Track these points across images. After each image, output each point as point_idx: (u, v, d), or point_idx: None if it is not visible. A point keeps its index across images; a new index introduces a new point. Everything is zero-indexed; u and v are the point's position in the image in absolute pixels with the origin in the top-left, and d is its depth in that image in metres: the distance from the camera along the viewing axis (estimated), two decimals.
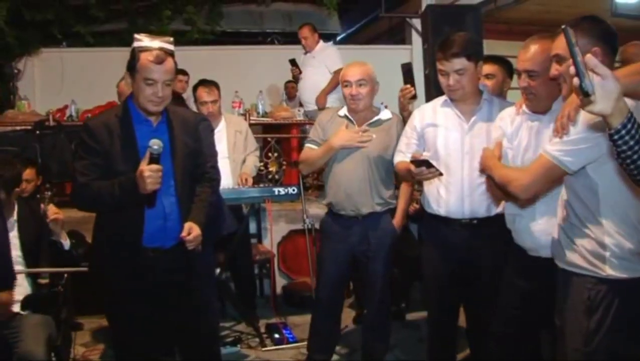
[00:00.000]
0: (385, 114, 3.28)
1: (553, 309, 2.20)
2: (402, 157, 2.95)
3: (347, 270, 3.44)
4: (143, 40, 2.45)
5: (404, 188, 3.38)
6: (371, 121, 3.23)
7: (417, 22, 7.23)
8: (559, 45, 2.00)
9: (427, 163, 2.62)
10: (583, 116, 1.90)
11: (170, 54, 2.46)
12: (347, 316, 4.48)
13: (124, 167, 2.43)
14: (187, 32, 8.89)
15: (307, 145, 3.37)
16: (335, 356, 3.62)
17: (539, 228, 2.37)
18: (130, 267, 2.51)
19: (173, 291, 2.62)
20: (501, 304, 2.59)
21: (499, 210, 2.74)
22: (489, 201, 2.76)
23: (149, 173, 2.30)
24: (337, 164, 3.24)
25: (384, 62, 6.83)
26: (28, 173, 3.55)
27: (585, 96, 1.49)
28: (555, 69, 2.04)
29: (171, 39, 2.53)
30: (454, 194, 2.80)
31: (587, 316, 1.97)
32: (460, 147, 2.79)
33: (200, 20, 8.77)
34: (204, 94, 4.15)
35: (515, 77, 2.56)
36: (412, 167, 2.65)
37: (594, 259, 1.97)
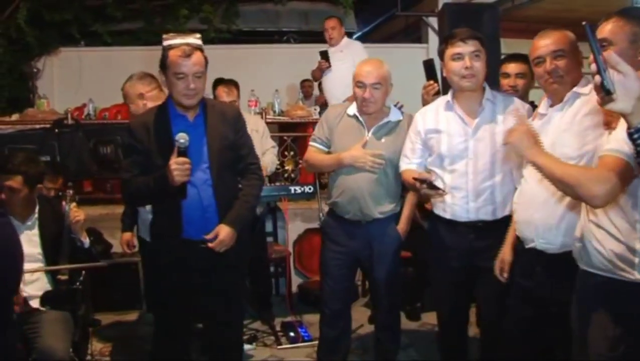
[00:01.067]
0: (395, 115, 3.16)
1: (558, 308, 2.21)
2: (408, 163, 2.93)
3: (352, 273, 3.39)
4: (170, 39, 2.58)
5: (411, 194, 3.26)
6: (381, 123, 3.12)
7: (433, 21, 7.22)
8: (604, 30, 1.96)
9: (430, 185, 2.61)
10: None
11: (198, 48, 2.58)
12: (363, 316, 4.49)
13: (162, 161, 2.55)
14: (204, 31, 8.92)
15: (312, 144, 3.26)
16: (349, 356, 3.61)
17: (538, 217, 2.36)
18: (173, 256, 2.64)
19: (213, 283, 2.72)
20: (509, 304, 2.60)
21: (505, 212, 2.72)
22: (494, 205, 2.74)
23: (175, 166, 2.44)
24: (344, 168, 3.11)
25: (400, 60, 6.84)
26: (58, 181, 3.65)
27: (606, 94, 1.48)
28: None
29: (198, 34, 2.65)
30: (459, 199, 2.77)
31: (614, 322, 1.92)
32: (464, 152, 2.75)
33: (216, 19, 8.79)
34: (224, 94, 4.17)
35: None
36: (418, 185, 2.64)
37: (622, 264, 1.91)
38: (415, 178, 2.64)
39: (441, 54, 2.82)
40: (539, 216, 2.36)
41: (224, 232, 2.64)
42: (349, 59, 5.69)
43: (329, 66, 5.72)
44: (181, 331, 2.81)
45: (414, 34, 9.46)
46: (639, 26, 1.92)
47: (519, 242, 2.55)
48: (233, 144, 2.74)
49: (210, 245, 2.62)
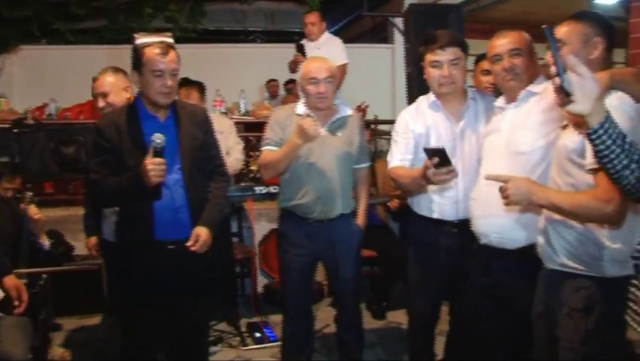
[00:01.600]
0: (345, 111, 3.15)
1: (518, 305, 2.25)
2: (401, 160, 2.82)
3: (313, 274, 3.36)
4: (144, 37, 2.55)
5: (364, 187, 3.24)
6: (334, 119, 3.10)
7: (399, 21, 7.25)
8: (560, 31, 2.02)
9: (442, 155, 2.31)
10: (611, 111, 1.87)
11: (172, 46, 2.56)
12: (329, 315, 4.48)
13: (133, 162, 2.51)
14: (169, 30, 8.83)
15: (266, 147, 3.11)
16: (314, 356, 3.61)
17: (495, 213, 2.41)
18: (143, 258, 2.60)
19: (184, 285, 2.68)
20: (472, 301, 2.65)
21: None
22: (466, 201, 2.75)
23: (152, 166, 2.40)
24: (302, 166, 3.05)
25: (367, 60, 6.88)
26: (16, 181, 3.54)
27: (566, 96, 1.50)
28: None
29: (169, 33, 2.63)
30: (448, 199, 2.78)
31: (585, 316, 1.98)
32: (452, 153, 2.70)
33: (182, 18, 8.73)
34: (183, 97, 4.10)
35: None
36: (428, 163, 2.33)
37: (591, 260, 1.98)
38: (426, 149, 2.38)
39: (421, 56, 2.82)
40: (496, 212, 2.40)
41: (204, 233, 2.64)
42: (328, 57, 5.65)
43: (306, 60, 5.59)
44: (149, 333, 2.77)
45: (380, 34, 9.52)
46: (591, 27, 2.00)
47: (474, 239, 2.59)
48: (203, 145, 2.74)
49: (193, 247, 2.61)
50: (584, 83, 1.50)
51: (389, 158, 2.90)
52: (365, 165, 3.26)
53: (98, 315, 4.43)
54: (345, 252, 3.14)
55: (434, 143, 2.73)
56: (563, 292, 2.06)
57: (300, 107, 3.13)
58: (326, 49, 5.62)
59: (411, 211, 2.99)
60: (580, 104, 1.51)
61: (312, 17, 5.68)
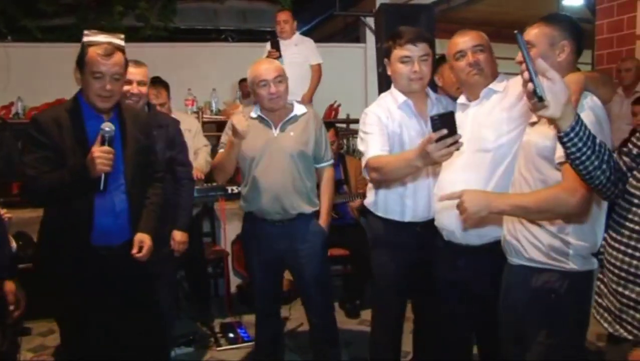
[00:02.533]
0: (299, 109, 3.12)
1: (484, 300, 2.30)
2: (380, 149, 2.66)
3: (280, 275, 3.34)
4: (92, 36, 2.46)
5: (326, 186, 3.20)
6: (287, 118, 3.08)
7: (371, 21, 7.28)
8: (529, 33, 2.07)
9: (451, 120, 2.07)
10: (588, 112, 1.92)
11: (120, 49, 2.47)
12: (302, 314, 4.48)
13: (75, 161, 2.42)
14: (140, 28, 8.75)
15: (220, 150, 3.12)
16: (290, 355, 3.61)
17: (456, 209, 2.43)
18: (79, 264, 2.48)
19: (123, 291, 2.59)
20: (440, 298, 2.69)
21: None
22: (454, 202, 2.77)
23: (99, 154, 2.31)
24: (258, 168, 3.04)
25: (339, 60, 6.88)
26: None
27: (540, 101, 1.52)
28: (522, 55, 2.09)
29: (122, 35, 2.54)
30: (421, 200, 2.78)
31: (552, 310, 2.03)
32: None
33: (153, 16, 8.65)
34: (152, 96, 4.04)
35: None
36: (433, 136, 2.07)
37: (558, 255, 2.03)
38: (433, 117, 2.10)
39: (387, 52, 2.79)
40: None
41: (147, 239, 2.58)
42: (303, 55, 5.65)
43: (280, 56, 5.44)
44: (90, 342, 2.61)
45: (352, 34, 9.54)
46: (559, 30, 2.04)
47: (439, 235, 2.62)
48: (145, 148, 2.68)
49: (138, 255, 2.55)
50: (554, 87, 1.53)
51: (363, 149, 2.74)
52: (326, 163, 3.21)
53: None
54: (308, 253, 3.11)
55: (406, 143, 2.73)
56: (529, 287, 2.10)
57: (254, 111, 3.11)
58: (302, 47, 5.64)
59: (370, 213, 2.95)
60: (552, 108, 1.54)
61: (285, 15, 5.70)
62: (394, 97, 2.81)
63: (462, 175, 2.43)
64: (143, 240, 2.57)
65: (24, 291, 2.65)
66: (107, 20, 8.34)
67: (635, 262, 1.48)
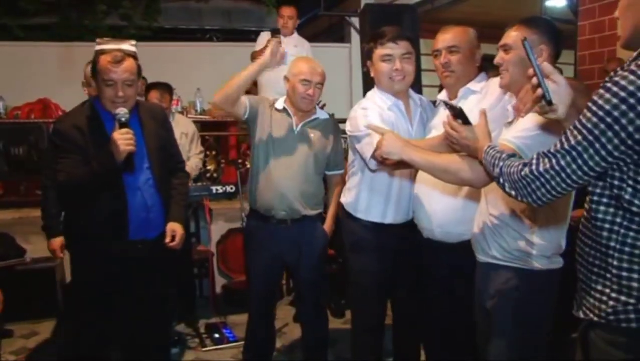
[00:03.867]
0: (322, 114, 3.17)
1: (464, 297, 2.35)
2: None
3: (279, 275, 3.37)
4: (103, 44, 2.55)
5: (336, 193, 3.20)
6: (309, 119, 3.11)
7: (355, 21, 7.29)
8: (508, 36, 2.11)
9: (463, 115, 2.04)
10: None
11: (131, 55, 2.55)
12: (288, 314, 4.49)
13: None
14: (123, 28, 8.68)
15: (244, 95, 3.04)
16: (275, 355, 3.60)
17: (438, 208, 2.50)
18: (116, 260, 2.59)
19: (152, 287, 2.72)
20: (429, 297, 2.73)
21: None
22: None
23: (119, 136, 2.41)
24: (274, 159, 3.04)
25: (324, 60, 6.84)
26: None
27: (549, 105, 1.54)
28: (500, 57, 2.15)
29: (133, 41, 2.62)
30: (404, 203, 2.79)
31: (515, 306, 2.09)
32: None
33: (136, 15, 8.59)
34: (155, 100, 4.06)
35: None
36: (454, 124, 2.00)
37: (521, 254, 2.09)
38: (449, 106, 2.07)
39: (369, 53, 2.80)
40: (438, 207, 2.49)
41: (179, 228, 2.71)
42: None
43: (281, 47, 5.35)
44: (109, 333, 2.76)
45: (337, 34, 9.56)
46: (537, 34, 2.07)
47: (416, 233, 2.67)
48: (166, 142, 2.79)
49: (172, 243, 2.68)
50: (559, 90, 1.54)
51: (367, 142, 2.57)
52: (339, 171, 3.25)
53: (51, 320, 4.32)
54: (308, 255, 3.14)
55: None
56: (494, 283, 2.16)
57: (280, 102, 3.12)
58: (301, 49, 5.58)
59: (347, 216, 2.94)
60: (559, 111, 1.56)
61: (289, 11, 5.59)
62: (383, 98, 2.77)
63: None
64: (175, 230, 2.70)
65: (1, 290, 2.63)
66: (90, 19, 8.28)
67: (581, 245, 1.58)
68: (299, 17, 5.71)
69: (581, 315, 1.59)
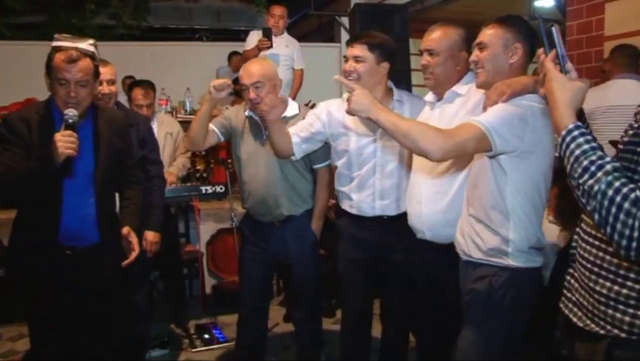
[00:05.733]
0: (291, 110, 3.09)
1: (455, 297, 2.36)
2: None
3: (270, 272, 3.36)
4: (61, 40, 2.43)
5: (320, 188, 3.15)
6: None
7: (345, 21, 7.30)
8: (484, 34, 2.17)
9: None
10: (515, 105, 2.00)
11: (88, 55, 2.44)
12: (278, 314, 4.48)
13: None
14: (112, 27, 8.64)
15: (210, 125, 3.09)
16: (266, 355, 3.59)
17: (426, 211, 2.51)
18: (48, 265, 2.47)
19: (93, 293, 2.57)
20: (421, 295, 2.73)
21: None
22: (398, 202, 2.81)
23: (60, 137, 2.28)
24: (247, 170, 3.07)
25: (314, 59, 6.88)
26: None
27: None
28: (475, 55, 2.20)
29: (92, 40, 2.51)
30: (365, 197, 2.83)
31: (486, 301, 2.12)
32: (372, 153, 2.79)
33: (126, 15, 8.56)
34: (140, 97, 3.99)
35: None
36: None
37: (496, 253, 2.12)
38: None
39: None
40: (426, 210, 2.51)
41: (133, 235, 2.63)
42: (290, 59, 5.56)
43: (271, 46, 5.25)
44: (58, 345, 2.58)
45: (327, 34, 9.57)
46: (512, 33, 2.13)
47: (400, 234, 2.70)
48: (119, 151, 2.65)
49: (126, 262, 2.61)
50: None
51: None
52: (322, 164, 3.13)
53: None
54: (297, 255, 3.13)
55: (354, 143, 2.79)
56: (470, 280, 2.20)
57: (248, 110, 3.08)
58: (292, 49, 5.57)
59: (339, 208, 3.03)
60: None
61: (280, 10, 5.57)
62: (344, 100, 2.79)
63: (427, 178, 2.51)
64: (130, 234, 2.61)
65: None
66: (79, 18, 8.24)
67: (608, 257, 1.47)
68: (289, 17, 5.70)
69: (600, 331, 1.50)
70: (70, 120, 2.33)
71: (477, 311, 2.15)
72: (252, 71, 2.94)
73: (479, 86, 2.25)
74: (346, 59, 2.78)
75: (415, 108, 2.81)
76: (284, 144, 2.83)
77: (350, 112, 2.13)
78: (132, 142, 2.88)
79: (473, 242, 2.18)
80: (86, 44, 2.45)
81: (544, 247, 2.18)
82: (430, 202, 2.48)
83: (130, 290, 2.94)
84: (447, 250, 2.42)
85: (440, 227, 2.47)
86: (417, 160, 2.62)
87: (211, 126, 3.07)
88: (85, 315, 2.58)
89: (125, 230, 2.61)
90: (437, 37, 2.48)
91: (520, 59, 2.14)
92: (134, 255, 2.61)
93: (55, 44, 2.42)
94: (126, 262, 2.61)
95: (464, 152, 2.03)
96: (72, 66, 2.37)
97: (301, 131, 2.86)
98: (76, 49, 2.40)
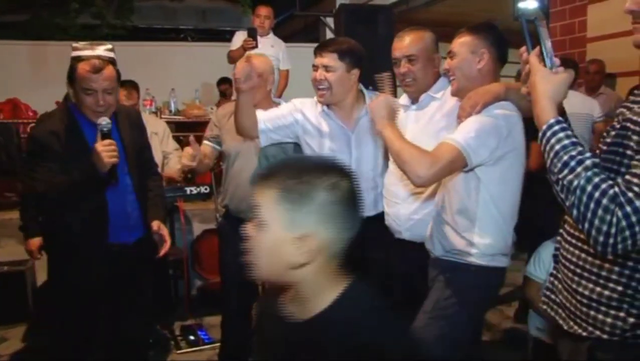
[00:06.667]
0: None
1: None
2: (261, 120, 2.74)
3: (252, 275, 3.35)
4: (80, 50, 2.46)
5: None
6: None
7: (331, 21, 7.31)
8: (454, 43, 2.24)
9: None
10: (488, 116, 2.05)
11: (110, 61, 2.47)
12: None
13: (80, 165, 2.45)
14: (96, 26, 8.58)
15: (205, 142, 3.21)
16: (251, 355, 3.59)
17: (403, 212, 2.54)
18: (97, 264, 2.54)
19: (129, 288, 2.69)
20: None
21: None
22: (376, 203, 2.79)
23: (102, 148, 2.35)
24: (235, 165, 3.06)
25: (299, 60, 6.87)
26: None
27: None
28: (447, 64, 2.26)
29: (110, 45, 2.55)
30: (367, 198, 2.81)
31: (443, 288, 2.20)
32: (348, 156, 2.75)
33: (110, 14, 8.50)
34: (123, 97, 3.99)
35: None
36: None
37: (460, 254, 2.19)
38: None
39: None
40: (403, 211, 2.54)
41: (164, 227, 2.69)
42: (276, 59, 5.53)
43: (256, 46, 5.16)
44: (86, 337, 2.69)
45: (313, 34, 9.56)
46: (480, 39, 2.20)
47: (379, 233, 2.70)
48: (142, 146, 2.75)
49: (163, 252, 2.70)
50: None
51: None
52: None
53: (22, 325, 4.25)
54: None
55: (327, 148, 2.74)
56: (432, 273, 2.29)
57: None
58: (278, 49, 5.57)
59: None
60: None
61: (266, 11, 5.56)
62: (316, 107, 2.79)
63: (406, 180, 2.48)
64: (160, 227, 2.67)
65: None
66: (62, 17, 8.17)
67: (590, 258, 1.46)
68: (274, 17, 5.69)
69: (582, 332, 1.50)
70: (105, 129, 2.39)
71: (430, 298, 2.22)
72: (240, 65, 2.92)
73: (453, 94, 2.31)
74: (315, 67, 2.72)
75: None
76: (248, 122, 2.73)
77: (373, 117, 2.23)
78: (147, 134, 2.92)
79: (439, 242, 2.25)
80: (104, 50, 2.48)
81: (510, 252, 2.23)
82: (408, 203, 2.50)
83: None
84: (424, 249, 2.46)
85: (419, 227, 2.50)
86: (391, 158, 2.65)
87: (206, 142, 3.17)
88: (118, 308, 2.69)
89: (155, 224, 2.67)
90: (413, 42, 2.50)
91: (488, 64, 2.19)
92: (166, 246, 2.69)
93: (75, 53, 2.45)
94: (162, 252, 2.70)
95: (444, 176, 2.10)
96: (97, 76, 2.41)
97: (271, 120, 2.76)
98: (98, 57, 2.43)
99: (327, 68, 2.68)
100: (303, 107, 2.84)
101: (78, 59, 2.43)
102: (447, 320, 2.17)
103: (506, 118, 2.04)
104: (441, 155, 2.01)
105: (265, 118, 2.77)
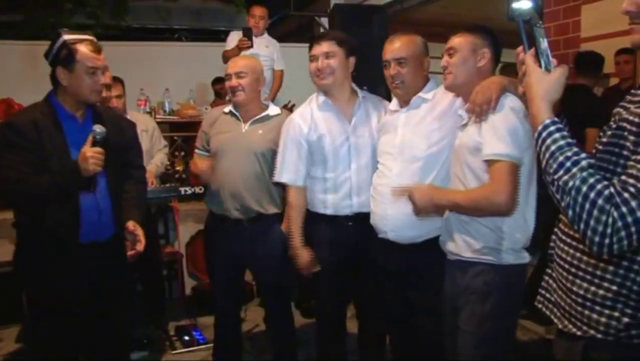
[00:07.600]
0: (273, 110, 3.16)
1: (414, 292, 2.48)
2: (295, 179, 2.90)
3: (240, 275, 3.33)
4: (72, 34, 2.49)
5: (291, 194, 3.03)
6: (258, 117, 3.11)
7: (325, 21, 7.30)
8: (453, 40, 2.29)
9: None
10: (507, 114, 2.08)
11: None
12: (258, 315, 4.47)
13: (56, 162, 2.43)
14: (91, 26, 8.53)
15: (196, 151, 3.26)
16: (245, 356, 3.59)
17: (391, 213, 2.55)
18: (67, 263, 2.52)
19: (105, 289, 2.66)
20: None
21: None
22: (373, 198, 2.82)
23: (91, 154, 2.35)
24: (222, 162, 3.06)
25: (294, 60, 6.87)
26: None
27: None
28: (445, 60, 2.31)
29: (91, 32, 2.61)
30: (341, 194, 2.84)
31: (483, 301, 2.15)
32: (347, 151, 2.82)
33: (104, 14, 8.45)
34: (107, 90, 3.98)
35: None
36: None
37: (490, 250, 2.15)
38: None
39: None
40: (391, 212, 2.55)
41: (138, 227, 2.64)
42: (271, 57, 5.51)
43: (251, 46, 5.20)
44: (70, 339, 2.67)
45: (307, 34, 9.55)
46: (480, 39, 2.26)
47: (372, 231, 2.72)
48: (121, 148, 2.71)
49: (131, 252, 2.63)
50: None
51: (284, 171, 2.92)
52: None
53: (16, 326, 4.23)
54: (267, 258, 3.10)
55: (328, 144, 2.81)
56: (464, 279, 2.23)
57: (228, 107, 3.17)
58: (272, 50, 5.55)
59: (310, 215, 2.97)
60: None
61: (260, 11, 5.55)
62: (317, 99, 2.90)
63: (396, 180, 2.53)
64: (136, 227, 2.62)
65: None
66: (56, 17, 8.12)
67: (585, 257, 1.47)
68: (269, 18, 5.68)
69: (577, 332, 1.51)
70: (99, 137, 2.40)
71: (473, 314, 2.18)
72: (237, 61, 3.11)
73: (447, 88, 2.35)
74: (313, 58, 2.81)
75: (377, 105, 2.90)
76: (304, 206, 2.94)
77: (419, 213, 2.29)
78: (135, 136, 2.94)
79: (464, 241, 2.21)
80: (91, 36, 2.55)
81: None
82: (397, 203, 2.50)
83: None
84: (412, 250, 2.51)
85: (406, 228, 2.52)
86: (382, 159, 2.67)
87: (198, 152, 3.21)
88: (91, 309, 2.65)
89: (131, 224, 2.63)
90: (403, 45, 2.55)
91: (488, 63, 2.26)
92: (140, 246, 2.63)
93: (69, 37, 2.46)
94: (133, 252, 2.64)
95: (518, 190, 2.09)
96: (100, 54, 2.49)
97: (298, 171, 2.90)
98: (93, 40, 2.51)
99: (327, 54, 2.77)
100: (300, 125, 2.87)
101: (75, 41, 2.46)
102: (495, 333, 2.17)
103: (523, 111, 2.07)
104: (501, 177, 2.05)
105: (297, 176, 2.90)
